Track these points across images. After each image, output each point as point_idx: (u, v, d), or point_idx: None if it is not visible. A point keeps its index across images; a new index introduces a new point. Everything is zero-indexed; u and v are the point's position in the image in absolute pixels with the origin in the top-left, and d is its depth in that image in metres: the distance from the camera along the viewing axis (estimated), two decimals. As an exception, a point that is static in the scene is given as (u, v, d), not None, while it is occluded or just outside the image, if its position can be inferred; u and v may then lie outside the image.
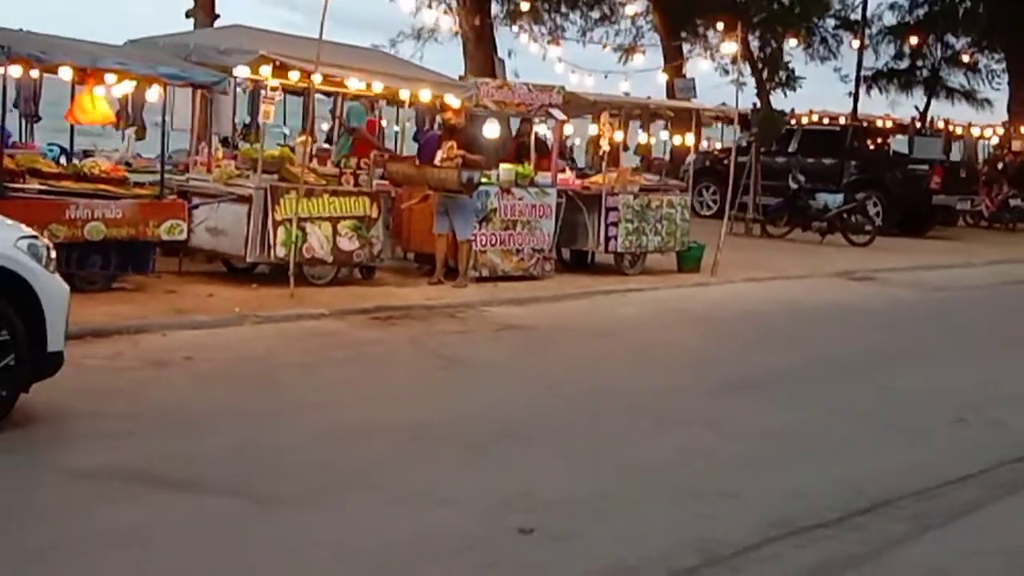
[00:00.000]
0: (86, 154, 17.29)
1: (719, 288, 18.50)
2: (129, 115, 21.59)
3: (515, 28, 33.08)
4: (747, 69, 31.71)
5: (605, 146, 18.72)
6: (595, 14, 36.25)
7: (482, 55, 29.09)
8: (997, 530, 7.67)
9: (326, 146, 19.17)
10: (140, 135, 22.08)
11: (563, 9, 35.10)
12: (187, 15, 23.88)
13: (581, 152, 29.91)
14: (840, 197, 27.12)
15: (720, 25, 34.66)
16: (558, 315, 15.10)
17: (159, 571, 5.94)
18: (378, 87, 15.49)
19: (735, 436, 9.55)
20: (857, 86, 35.47)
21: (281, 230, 14.46)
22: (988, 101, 43.46)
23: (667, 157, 30.14)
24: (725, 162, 29.89)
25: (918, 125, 38.00)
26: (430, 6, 29.34)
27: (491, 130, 17.22)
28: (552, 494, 7.61)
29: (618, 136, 19.30)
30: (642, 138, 27.11)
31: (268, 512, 7.00)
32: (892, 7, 41.34)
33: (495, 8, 31.90)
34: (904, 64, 42.76)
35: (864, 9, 35.43)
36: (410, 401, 10.16)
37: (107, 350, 10.87)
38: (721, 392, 11.13)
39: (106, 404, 9.11)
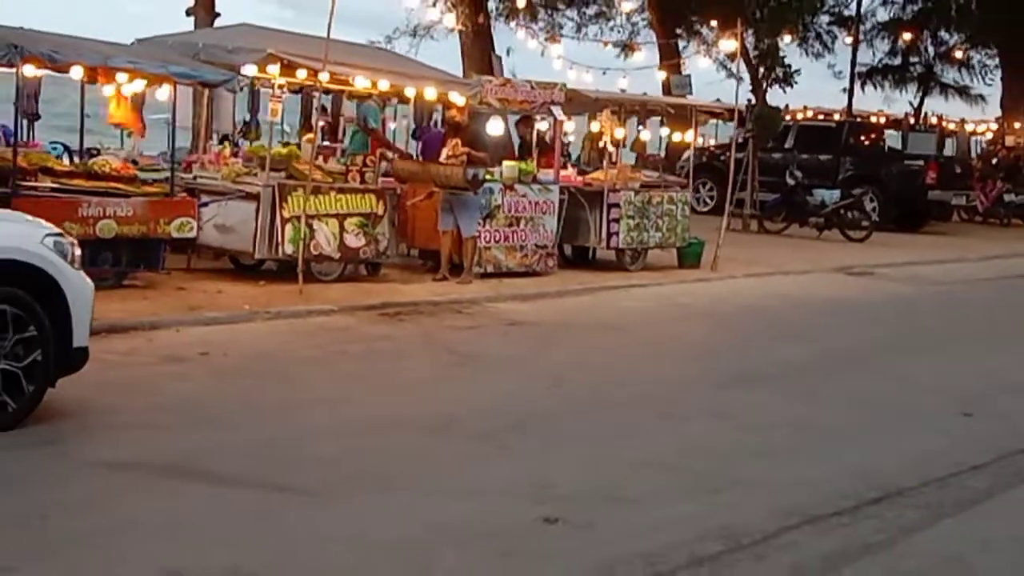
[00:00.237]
0: (90, 153, 17.42)
1: (721, 283, 18.67)
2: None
3: (512, 25, 33.22)
4: (743, 66, 31.91)
5: (609, 143, 18.87)
6: (590, 11, 36.40)
7: (480, 52, 29.20)
8: (1008, 518, 7.83)
9: (326, 143, 19.29)
10: (140, 133, 22.14)
11: (559, 6, 35.23)
12: (187, 13, 23.96)
13: (576, 148, 30.03)
14: (837, 193, 27.32)
15: (714, 23, 34.96)
16: (563, 310, 15.25)
17: (192, 560, 6.06)
18: (384, 85, 15.63)
19: (746, 427, 9.71)
20: (852, 82, 35.67)
21: (289, 227, 14.59)
22: (982, 97, 43.78)
23: (662, 154, 30.28)
24: (722, 158, 30.15)
25: (912, 121, 38.22)
26: (434, 5, 29.39)
27: (494, 127, 17.35)
28: (572, 485, 7.76)
29: (619, 133, 19.42)
30: (642, 135, 27.25)
31: (292, 503, 7.13)
32: (885, 3, 41.55)
33: (492, 5, 32.01)
34: (898, 60, 42.96)
35: (859, 5, 35.61)
36: (425, 395, 10.30)
37: (123, 346, 11.00)
38: (729, 384, 11.29)
39: (128, 398, 9.25)
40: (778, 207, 27.47)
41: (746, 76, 31.87)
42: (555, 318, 14.60)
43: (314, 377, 10.74)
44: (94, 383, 9.09)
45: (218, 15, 23.99)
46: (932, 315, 17.64)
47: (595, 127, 19.74)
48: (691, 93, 30.91)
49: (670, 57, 33.57)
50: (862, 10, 37.34)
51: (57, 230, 8.71)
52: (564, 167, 18.92)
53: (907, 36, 41.47)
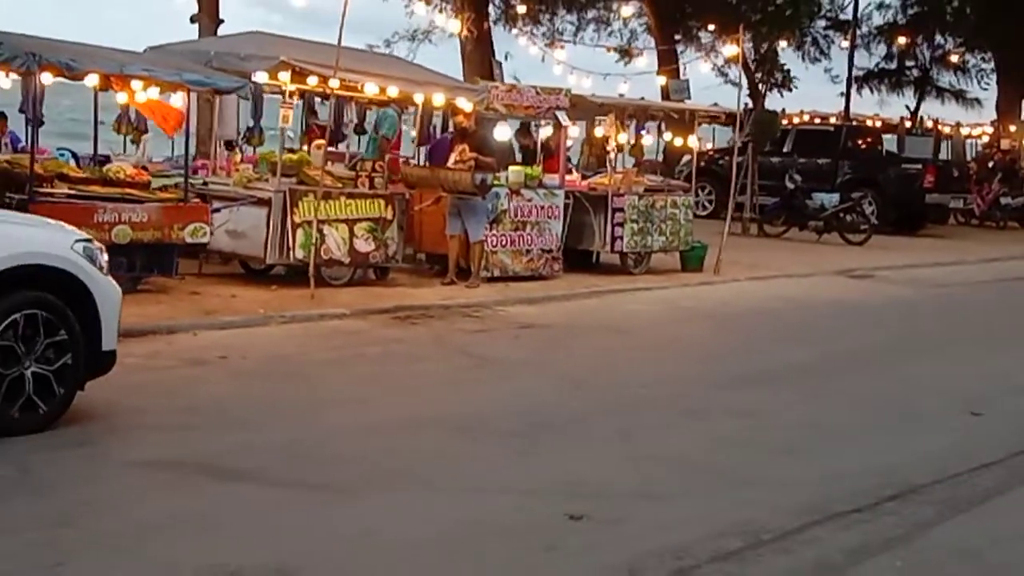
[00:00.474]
0: (98, 160, 17.59)
1: (724, 286, 18.85)
2: (131, 120, 21.81)
3: (513, 31, 33.39)
4: (739, 70, 32.10)
5: (614, 148, 19.05)
6: (590, 14, 36.57)
7: (480, 57, 29.36)
8: (1020, 514, 8.03)
9: (330, 149, 19.44)
10: (140, 139, 22.30)
11: (559, 11, 35.41)
12: (191, 20, 24.06)
13: (575, 154, 30.20)
14: (836, 196, 27.52)
15: (711, 27, 35.14)
16: (572, 313, 15.43)
17: (235, 556, 6.21)
18: (393, 91, 15.81)
19: (761, 426, 9.90)
20: (849, 86, 35.83)
21: (300, 232, 14.76)
22: (978, 101, 44.01)
23: (660, 158, 30.45)
24: (720, 162, 30.36)
25: (908, 125, 38.42)
26: (441, 10, 29.51)
27: (501, 133, 17.53)
28: (598, 482, 7.93)
29: (623, 138, 19.60)
30: (644, 140, 27.39)
31: (325, 501, 7.29)
32: (880, 7, 41.75)
33: (492, 11, 32.18)
34: (894, 64, 43.17)
35: (855, 10, 35.79)
36: (445, 396, 10.47)
37: (144, 349, 11.14)
38: (740, 385, 11.46)
39: (153, 401, 9.41)
40: (778, 211, 27.68)
41: (744, 81, 32.20)
42: (564, 321, 14.77)
43: (333, 379, 10.91)
44: (119, 386, 9.23)
45: (222, 22, 24.12)
46: (933, 317, 17.83)
47: (599, 132, 19.86)
48: (689, 97, 31.07)
49: (669, 62, 33.75)
50: (858, 14, 37.45)
51: (86, 236, 8.88)
52: (569, 172, 19.06)
53: (902, 40, 41.66)
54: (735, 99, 33.53)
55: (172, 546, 6.35)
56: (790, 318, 16.51)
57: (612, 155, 19.70)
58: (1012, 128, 39.76)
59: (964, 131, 39.52)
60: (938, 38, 42.77)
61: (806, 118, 35.53)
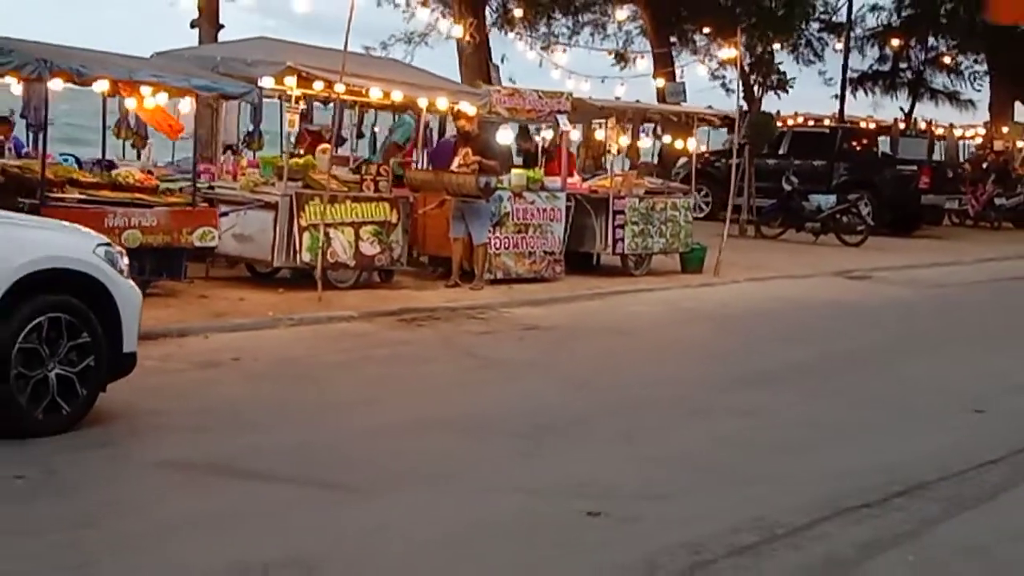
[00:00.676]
0: (101, 164, 17.74)
1: (724, 288, 19.02)
2: (131, 125, 21.96)
3: (511, 34, 33.56)
4: (734, 72, 32.31)
5: (614, 151, 19.23)
6: (586, 18, 36.76)
7: (478, 61, 29.50)
8: (1024, 510, 8.23)
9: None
10: (141, 144, 22.45)
11: (556, 15, 35.59)
12: (192, 25, 24.18)
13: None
14: (833, 198, 27.71)
15: (706, 30, 35.34)
16: (575, 315, 15.60)
17: (253, 553, 6.36)
18: (397, 96, 15.98)
19: (766, 425, 10.09)
20: (843, 88, 36.03)
21: (307, 236, 14.91)
22: (971, 102, 44.23)
23: (655, 160, 30.65)
24: (716, 164, 30.56)
25: (902, 126, 38.63)
26: (443, 15, 29.65)
27: (503, 136, 17.69)
28: (610, 480, 8.09)
29: (624, 141, 19.78)
30: (643, 142, 27.60)
31: (339, 500, 7.45)
32: (874, 9, 41.96)
33: (488, 14, 32.34)
34: (888, 66, 43.38)
35: (849, 12, 36.01)
36: (453, 398, 10.64)
37: (157, 352, 11.27)
38: (742, 385, 11.63)
39: (170, 402, 9.57)
40: (775, 212, 27.85)
41: (740, 83, 32.40)
42: (568, 323, 14.94)
43: (344, 381, 11.08)
44: (137, 388, 9.37)
45: (222, 27, 24.25)
46: (931, 318, 18.03)
47: (600, 135, 20.03)
48: (685, 100, 31.31)
49: (664, 65, 33.94)
50: (852, 17, 37.67)
51: (107, 240, 9.04)
52: (572, 175, 19.22)
53: (896, 42, 41.87)
54: (729, 101, 33.91)
55: (195, 545, 6.50)
56: (790, 319, 16.69)
57: (612, 157, 19.86)
58: (1005, 129, 40.00)
59: (957, 132, 39.77)
60: (931, 40, 42.98)
61: (800, 120, 35.76)
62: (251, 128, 24.50)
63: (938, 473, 8.64)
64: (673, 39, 36.57)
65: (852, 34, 37.76)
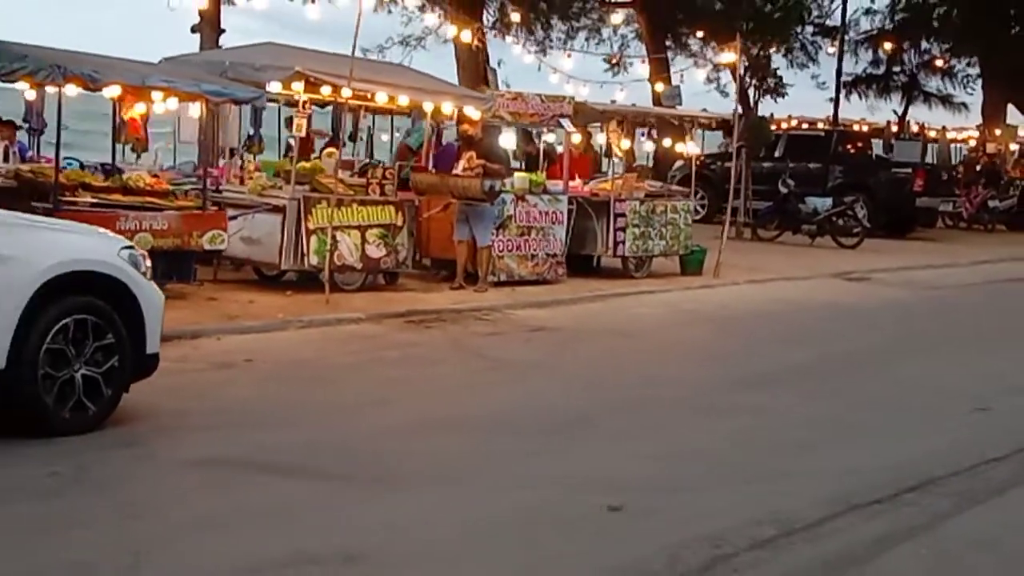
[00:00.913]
0: (104, 168, 17.88)
1: (724, 290, 19.21)
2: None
3: (508, 38, 33.74)
4: (729, 76, 32.52)
5: (618, 153, 19.42)
6: (582, 22, 36.95)
7: (475, 64, 29.67)
8: (1033, 504, 8.41)
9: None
10: (142, 147, 22.62)
11: (554, 20, 35.78)
12: (192, 30, 24.35)
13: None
14: (829, 201, 27.95)
15: (700, 34, 35.54)
16: (579, 317, 15.77)
17: (298, 545, 6.53)
18: (404, 100, 16.15)
19: (772, 424, 10.26)
20: (838, 92, 36.27)
21: (314, 239, 15.08)
22: (964, 105, 44.51)
23: (650, 163, 30.84)
24: (712, 167, 30.78)
25: (895, 129, 38.93)
26: (446, 18, 29.78)
27: (506, 140, 17.87)
28: (623, 477, 8.26)
29: (625, 144, 19.97)
30: (646, 146, 27.82)
31: (371, 495, 7.62)
32: (868, 12, 42.21)
33: (486, 19, 32.53)
34: (881, 70, 43.64)
35: (843, 15, 36.24)
36: (466, 398, 10.82)
37: (173, 353, 11.36)
38: (749, 385, 11.80)
39: (190, 402, 9.73)
40: (771, 215, 28.04)
41: (732, 87, 32.61)
42: (573, 324, 15.11)
43: (357, 382, 11.25)
44: (157, 388, 9.50)
45: (223, 31, 24.41)
46: (929, 319, 18.21)
47: (601, 139, 20.23)
48: (680, 103, 31.51)
49: (660, 69, 34.12)
50: (846, 20, 37.89)
51: (130, 243, 9.21)
52: (574, 178, 19.40)
53: (889, 46, 42.11)
54: (723, 105, 34.10)
55: (240, 536, 6.68)
56: (790, 321, 16.88)
57: (617, 160, 20.06)
58: (997, 132, 40.26)
59: (950, 135, 40.05)
60: (924, 43, 43.24)
61: (795, 123, 36.00)
62: (251, 132, 24.71)
63: (946, 470, 8.80)
64: (669, 43, 36.77)
65: (846, 37, 37.94)
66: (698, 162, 31.97)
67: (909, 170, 31.26)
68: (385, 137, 31.53)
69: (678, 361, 13.52)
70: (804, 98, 58.48)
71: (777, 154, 31.35)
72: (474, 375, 11.93)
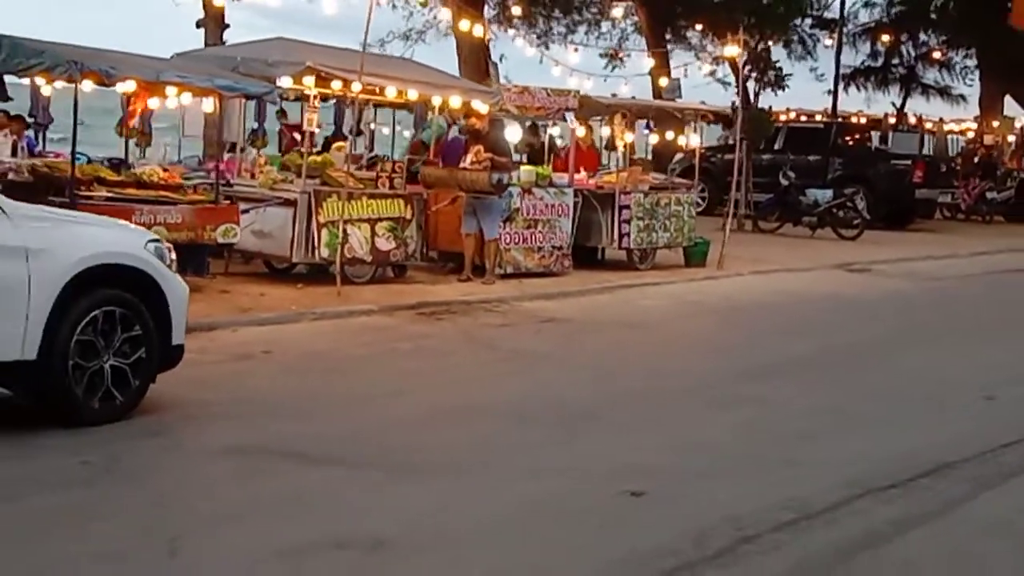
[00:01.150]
0: (111, 162, 18.02)
1: (729, 281, 19.40)
2: (136, 123, 22.23)
3: (509, 31, 33.89)
4: (728, 68, 32.69)
5: (620, 146, 19.59)
6: (584, 16, 37.11)
7: (476, 58, 29.81)
8: (1043, 488, 8.60)
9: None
10: (146, 142, 22.76)
11: (556, 14, 35.94)
12: (198, 25, 24.50)
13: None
14: (830, 193, 28.13)
15: (699, 27, 35.67)
16: (587, 308, 15.95)
17: (327, 531, 6.70)
18: (413, 94, 16.32)
19: (785, 413, 10.42)
20: (836, 84, 36.44)
21: (325, 232, 15.24)
22: (962, 97, 44.67)
23: (649, 156, 31.00)
24: (712, 160, 30.93)
25: (892, 121, 39.10)
26: (451, 12, 29.93)
27: (512, 133, 18.03)
28: (642, 464, 8.42)
29: (629, 137, 20.13)
30: (647, 138, 27.96)
31: (395, 483, 7.78)
32: (867, 5, 42.37)
33: (487, 12, 32.67)
34: (879, 62, 43.81)
35: (842, 8, 36.41)
36: (483, 387, 10.98)
37: (191, 345, 11.34)
38: (758, 375, 11.96)
39: (213, 393, 9.89)
40: (772, 207, 28.22)
41: (736, 80, 32.74)
42: (581, 316, 15.28)
43: (373, 373, 11.41)
44: (179, 379, 9.67)
45: (227, 26, 24.56)
46: (932, 309, 18.40)
47: (606, 132, 20.40)
48: (680, 96, 31.68)
49: (662, 62, 34.28)
50: (845, 13, 38.04)
51: (155, 236, 9.37)
52: (579, 171, 19.55)
53: (887, 38, 42.28)
54: (723, 97, 34.25)
55: (268, 523, 6.83)
56: (794, 312, 17.08)
57: (622, 153, 20.22)
58: (995, 123, 40.46)
59: (947, 127, 40.23)
60: (922, 36, 43.41)
61: (793, 116, 36.15)
62: (255, 126, 24.90)
63: (959, 456, 8.98)
64: (668, 36, 36.92)
65: (844, 30, 38.10)
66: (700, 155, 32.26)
67: (908, 162, 31.45)
68: (386, 131, 31.74)
69: (685, 353, 13.69)
70: (802, 90, 58.69)
71: (777, 146, 31.53)
72: (489, 365, 12.10)
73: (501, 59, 32.30)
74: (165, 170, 16.91)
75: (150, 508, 6.99)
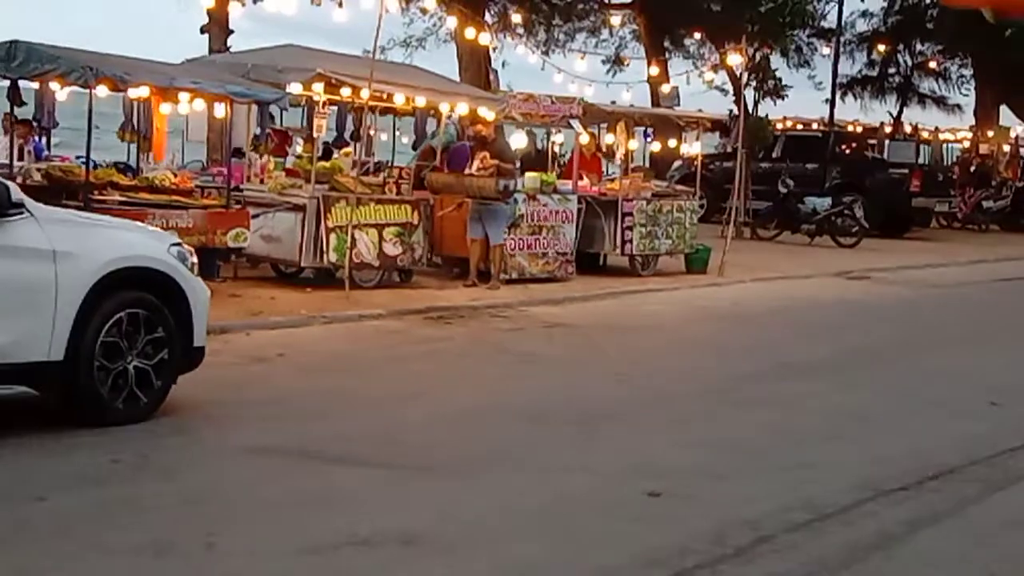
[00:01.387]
0: (117, 167, 18.18)
1: (731, 287, 19.56)
2: (135, 127, 22.36)
3: (509, 39, 34.07)
4: (726, 76, 32.84)
5: (620, 154, 19.76)
6: (583, 24, 37.29)
7: (476, 65, 29.98)
8: (1051, 491, 8.76)
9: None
10: (146, 146, 22.85)
11: (556, 21, 36.11)
12: (202, 31, 24.59)
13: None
14: (828, 200, 28.31)
15: (697, 35, 35.86)
16: (594, 313, 16.10)
17: (354, 528, 6.82)
18: (421, 101, 16.48)
19: (799, 415, 10.57)
20: (833, 93, 36.60)
21: (333, 236, 15.39)
22: (958, 106, 44.91)
23: (646, 164, 31.13)
24: (711, 167, 31.08)
25: (888, 130, 39.29)
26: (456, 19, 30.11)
27: (517, 140, 18.19)
28: (660, 465, 8.58)
29: (632, 144, 20.29)
30: (649, 146, 28.12)
31: (422, 481, 7.95)
32: (864, 15, 42.56)
33: (488, 19, 32.83)
34: (876, 71, 44.01)
35: (839, 17, 36.60)
36: (499, 389, 11.13)
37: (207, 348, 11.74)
38: (770, 378, 12.15)
39: (232, 394, 10.02)
40: (771, 214, 28.40)
41: (730, 89, 32.93)
42: (589, 320, 15.44)
43: (389, 375, 11.55)
44: (199, 380, 9.79)
45: (231, 32, 24.66)
46: (934, 315, 18.59)
47: (608, 139, 20.57)
48: (679, 104, 31.81)
49: (661, 70, 34.45)
50: (842, 22, 38.22)
51: (178, 240, 9.51)
52: (582, 178, 19.71)
53: (883, 48, 42.47)
54: (720, 105, 34.38)
55: (297, 521, 6.94)
56: (801, 316, 17.27)
57: (626, 160, 20.37)
58: (990, 133, 40.68)
59: (943, 136, 40.45)
60: (918, 45, 43.61)
61: (790, 124, 36.35)
62: (258, 132, 24.97)
63: (967, 459, 9.15)
64: (667, 44, 37.11)
65: (841, 39, 38.29)
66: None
67: (905, 171, 31.65)
68: (385, 137, 31.85)
69: (698, 355, 13.85)
70: (799, 99, 58.83)
71: (775, 154, 31.72)
72: (503, 368, 12.26)
73: (503, 66, 32.53)
74: (175, 175, 17.10)
75: (184, 504, 7.12)
